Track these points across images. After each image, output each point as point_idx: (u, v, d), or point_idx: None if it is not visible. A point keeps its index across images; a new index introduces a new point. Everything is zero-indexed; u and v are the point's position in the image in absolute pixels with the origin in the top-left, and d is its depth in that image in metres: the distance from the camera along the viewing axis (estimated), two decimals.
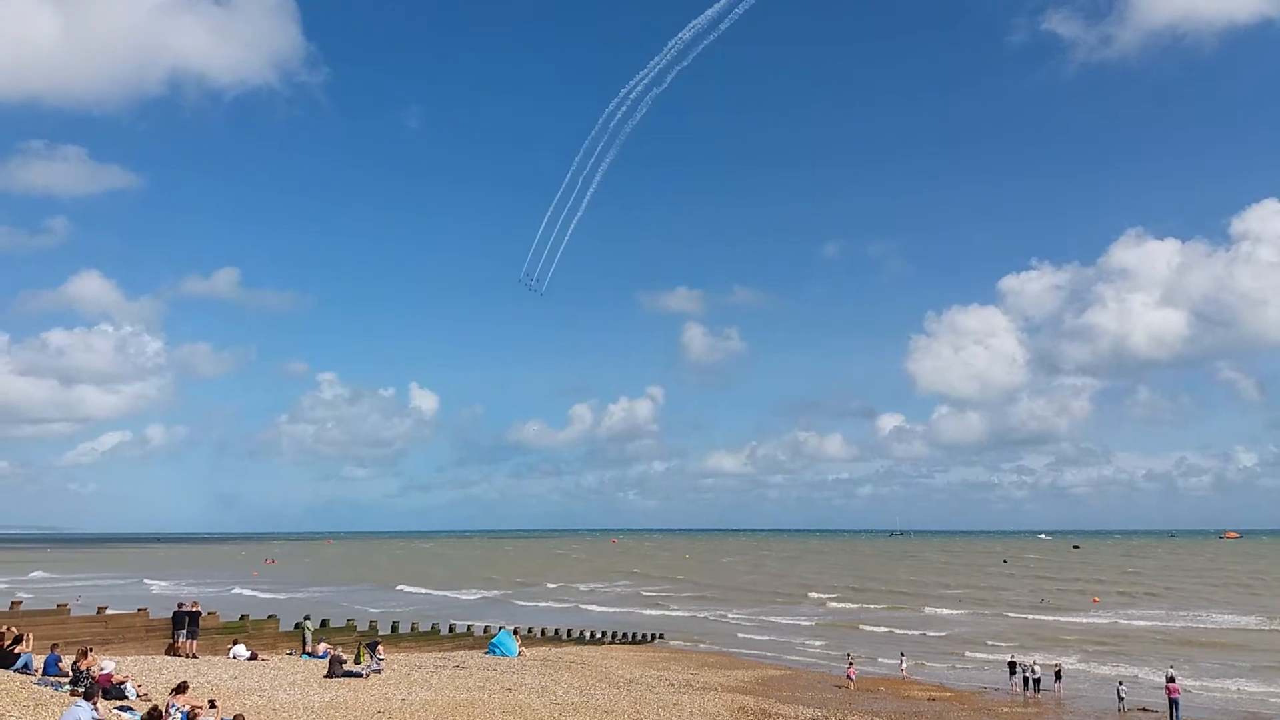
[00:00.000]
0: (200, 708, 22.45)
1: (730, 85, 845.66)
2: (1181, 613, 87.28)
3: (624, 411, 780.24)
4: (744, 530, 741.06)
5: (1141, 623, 79.58)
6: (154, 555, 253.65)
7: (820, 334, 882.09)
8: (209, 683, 29.47)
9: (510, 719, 27.83)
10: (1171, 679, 40.16)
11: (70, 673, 26.32)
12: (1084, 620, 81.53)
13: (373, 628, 50.44)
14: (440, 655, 46.63)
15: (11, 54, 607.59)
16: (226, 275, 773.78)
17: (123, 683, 25.92)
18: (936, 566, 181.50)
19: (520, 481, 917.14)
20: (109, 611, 42.59)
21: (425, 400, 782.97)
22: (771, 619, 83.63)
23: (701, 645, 65.56)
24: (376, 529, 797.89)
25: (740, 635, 71.93)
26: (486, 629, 56.49)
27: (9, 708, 21.20)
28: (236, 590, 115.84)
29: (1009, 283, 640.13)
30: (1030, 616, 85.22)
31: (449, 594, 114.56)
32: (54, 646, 29.03)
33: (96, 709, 19.46)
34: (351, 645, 42.39)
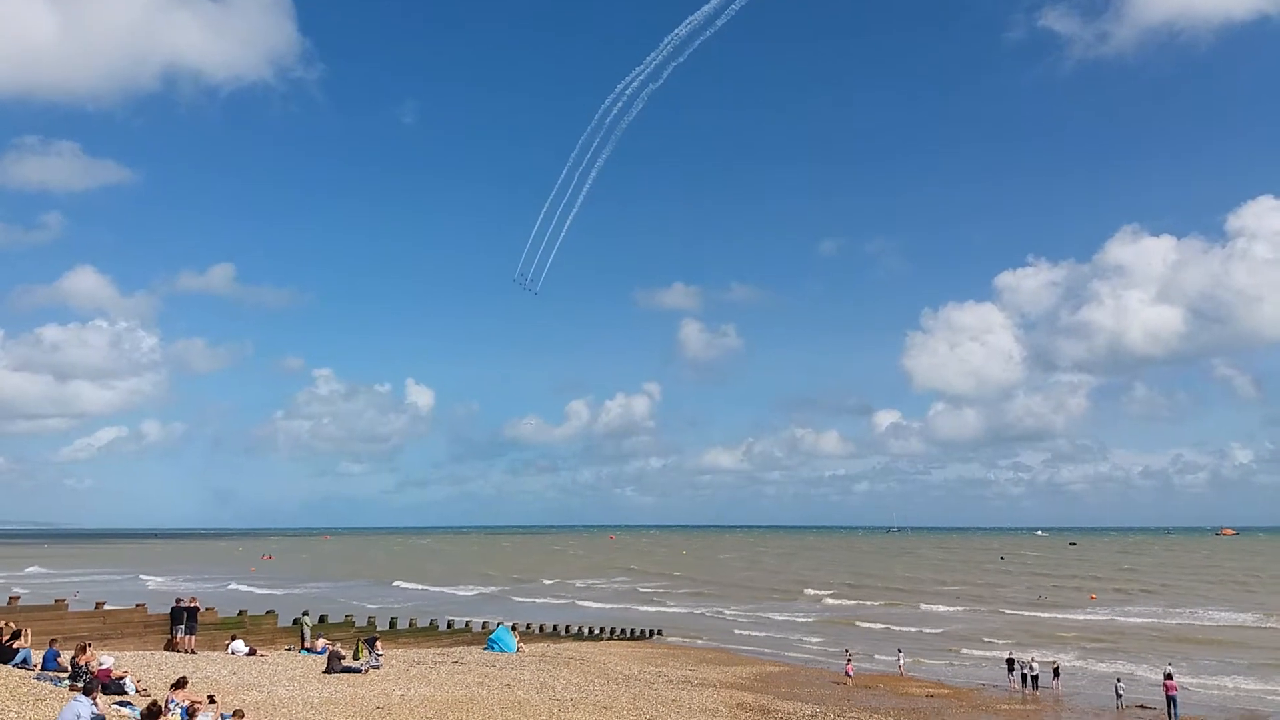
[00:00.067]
0: (199, 703, 22.42)
1: (726, 82, 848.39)
2: (1178, 610, 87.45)
3: (621, 408, 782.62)
4: (741, 526, 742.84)
5: (1138, 620, 79.69)
6: (150, 551, 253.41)
7: (817, 331, 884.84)
8: (208, 678, 29.45)
9: (509, 715, 27.81)
10: (1169, 676, 40.20)
11: (69, 668, 26.29)
12: (1081, 617, 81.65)
13: (371, 624, 50.44)
14: (439, 651, 46.63)
15: (6, 49, 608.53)
16: (222, 271, 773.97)
17: (122, 678, 25.88)
18: (933, 563, 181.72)
19: (517, 477, 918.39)
20: (107, 607, 42.63)
21: (421, 396, 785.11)
22: (768, 615, 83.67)
23: (699, 641, 65.57)
24: (373, 525, 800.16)
25: (737, 631, 71.92)
26: (485, 625, 56.53)
27: (8, 703, 21.16)
28: (233, 586, 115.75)
29: (1005, 279, 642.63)
30: (1027, 613, 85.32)
31: (446, 590, 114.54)
32: (53, 642, 29.00)
33: (96, 704, 19.41)
34: (350, 641, 42.39)
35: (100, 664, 26.21)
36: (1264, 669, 53.11)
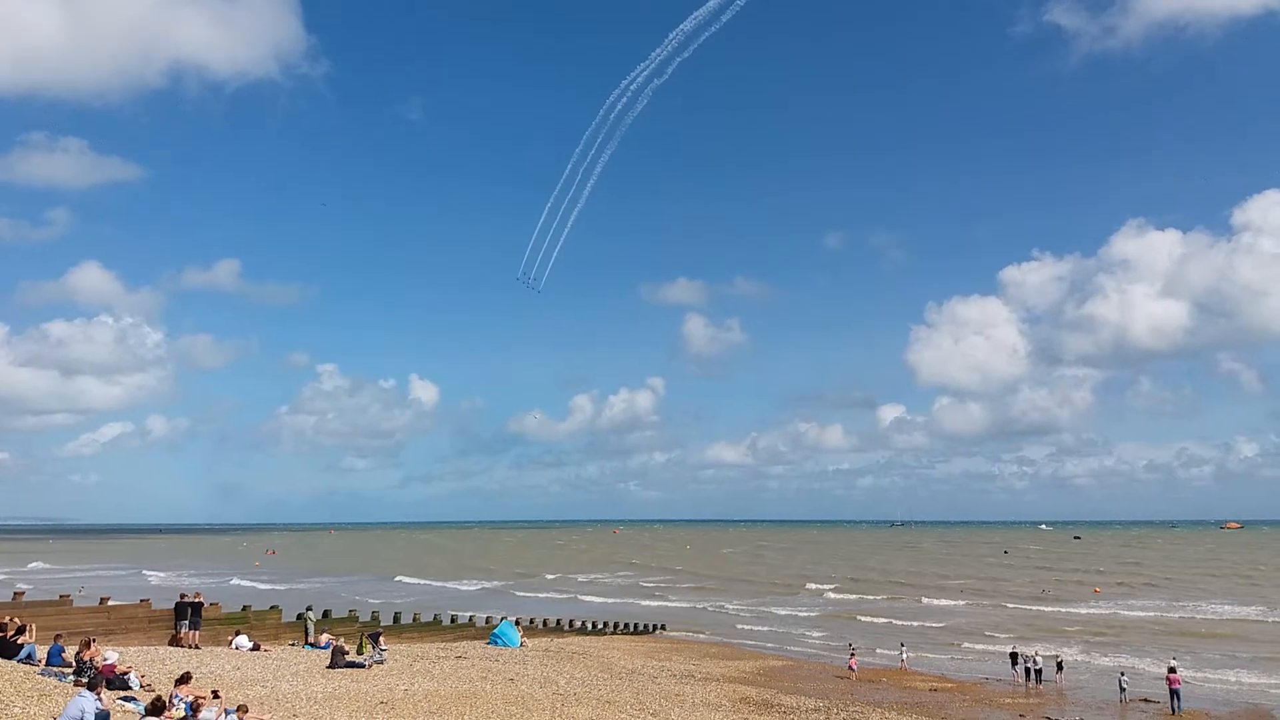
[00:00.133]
0: (203, 698, 22.44)
1: (731, 76, 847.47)
2: (1182, 603, 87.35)
3: (625, 403, 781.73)
4: (745, 521, 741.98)
5: (1142, 613, 79.63)
6: (154, 546, 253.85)
7: (821, 325, 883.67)
8: (212, 673, 29.51)
9: (513, 709, 27.81)
10: (1173, 669, 40.19)
11: (74, 663, 26.33)
12: (1085, 611, 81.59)
13: (375, 618, 50.47)
14: (442, 646, 46.69)
15: (13, 46, 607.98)
16: (227, 267, 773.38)
17: (126, 673, 25.94)
18: (937, 557, 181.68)
19: (521, 473, 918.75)
20: (111, 602, 42.68)
21: (425, 391, 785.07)
22: (770, 610, 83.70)
23: (702, 636, 65.61)
24: (378, 520, 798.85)
25: (740, 626, 71.96)
26: (489, 620, 56.57)
27: (13, 698, 21.18)
28: (235, 581, 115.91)
29: (1010, 273, 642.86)
30: (1031, 607, 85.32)
31: (449, 585, 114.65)
32: (57, 637, 29.07)
33: (100, 699, 19.42)
34: (354, 636, 42.42)
35: (105, 659, 26.27)
36: (1268, 662, 53.05)
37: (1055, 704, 40.55)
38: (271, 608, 47.50)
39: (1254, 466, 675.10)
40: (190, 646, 36.93)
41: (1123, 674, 43.32)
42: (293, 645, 41.89)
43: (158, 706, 19.86)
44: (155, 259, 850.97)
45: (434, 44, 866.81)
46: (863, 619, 77.12)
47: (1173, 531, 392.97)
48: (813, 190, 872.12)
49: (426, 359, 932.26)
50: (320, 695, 27.45)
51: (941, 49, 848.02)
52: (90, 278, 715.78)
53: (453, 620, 56.15)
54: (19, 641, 28.24)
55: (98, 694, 19.42)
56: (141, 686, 25.61)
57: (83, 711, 18.54)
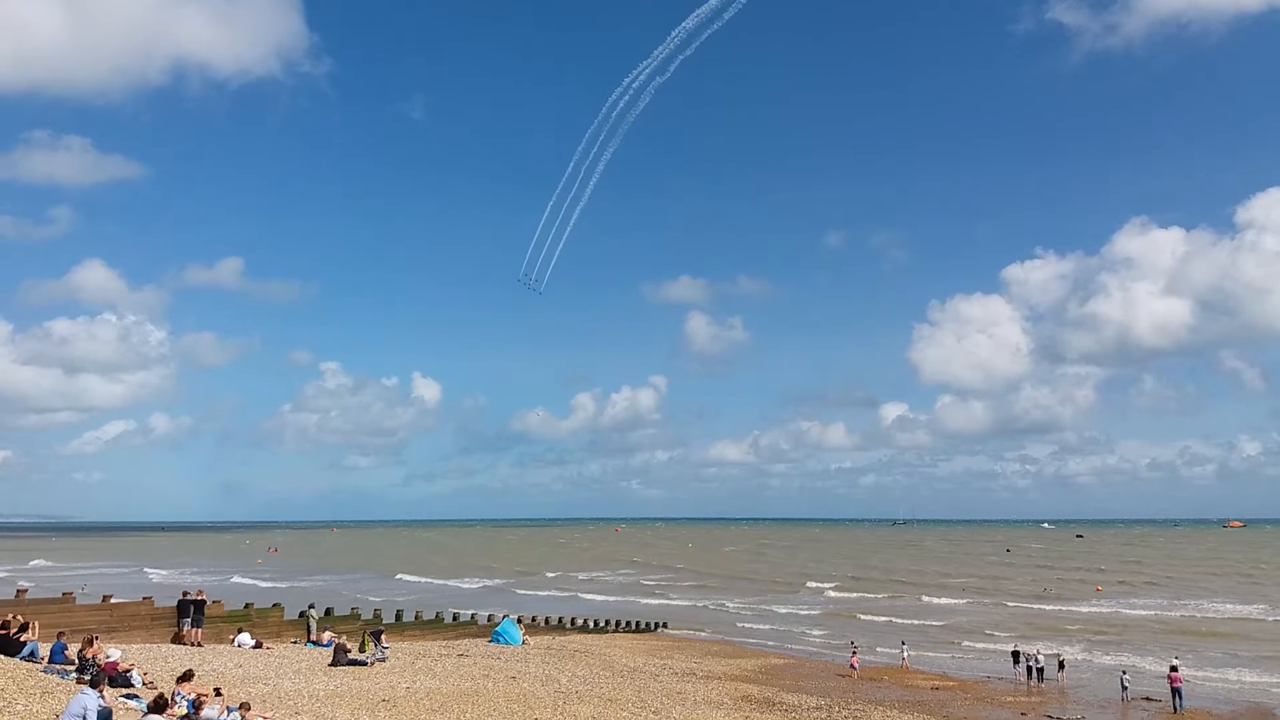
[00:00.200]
0: (206, 696, 22.45)
1: (733, 74, 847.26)
2: (1184, 602, 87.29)
3: (627, 401, 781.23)
4: (747, 519, 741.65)
5: (1144, 612, 79.60)
6: (156, 544, 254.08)
7: (824, 323, 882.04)
8: (214, 671, 29.55)
9: (515, 707, 27.83)
10: (1174, 668, 40.20)
11: (76, 661, 26.38)
12: (1087, 609, 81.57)
13: (377, 616, 50.53)
14: (444, 644, 46.75)
15: (15, 44, 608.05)
16: (230, 265, 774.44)
17: (129, 671, 25.97)
18: (938, 556, 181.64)
19: (523, 471, 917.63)
20: (114, 600, 42.71)
21: (428, 389, 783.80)
22: (771, 608, 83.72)
23: (702, 634, 65.64)
24: (381, 518, 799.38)
25: (740, 624, 71.97)
26: (490, 618, 56.60)
27: (16, 695, 21.20)
28: (238, 579, 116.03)
29: (1013, 272, 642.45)
30: (1032, 606, 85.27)
31: (450, 583, 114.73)
32: (60, 635, 29.11)
33: (103, 697, 19.43)
34: (356, 634, 42.47)
35: (107, 657, 26.31)
36: (1269, 661, 53.01)
37: (1057, 702, 40.55)
38: (274, 605, 47.52)
39: (1257, 465, 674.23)
40: (193, 644, 36.99)
41: (1124, 672, 43.28)
42: (295, 643, 41.94)
43: (160, 704, 19.88)
44: (158, 257, 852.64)
45: (436, 42, 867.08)
46: (863, 617, 77.10)
47: (1175, 530, 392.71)
48: (815, 188, 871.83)
49: (429, 357, 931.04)
50: (322, 693, 27.49)
51: (943, 47, 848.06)
52: (93, 276, 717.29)
53: (455, 618, 56.18)
54: (22, 639, 28.29)
55: (100, 691, 19.43)
56: (144, 684, 25.64)
57: (85, 709, 18.56)
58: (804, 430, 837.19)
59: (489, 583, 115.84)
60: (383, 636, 40.65)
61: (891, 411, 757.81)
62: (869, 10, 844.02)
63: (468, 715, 26.07)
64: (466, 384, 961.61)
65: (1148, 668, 49.51)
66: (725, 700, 34.08)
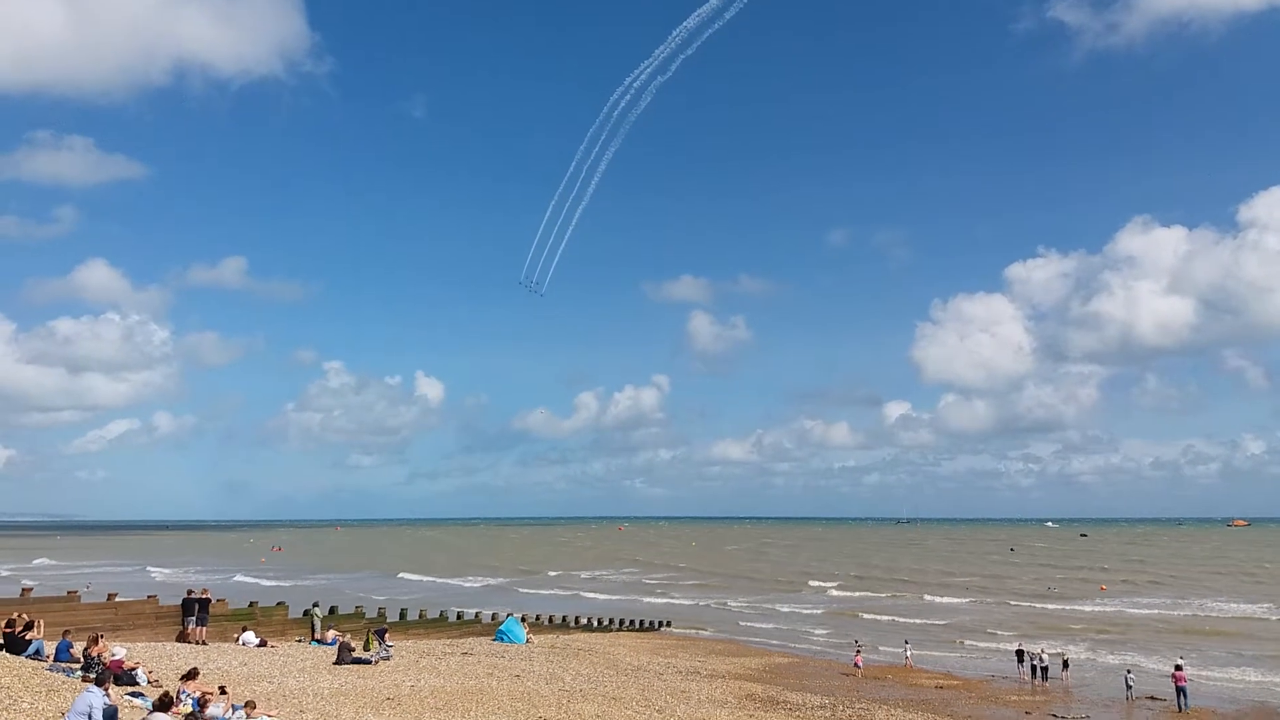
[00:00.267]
0: (211, 694, 22.47)
1: (735, 73, 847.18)
2: (1188, 601, 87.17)
3: (630, 400, 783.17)
4: (750, 518, 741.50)
5: (1148, 611, 79.50)
6: (160, 543, 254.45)
7: (826, 322, 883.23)
8: (219, 669, 29.58)
9: (519, 706, 27.84)
10: (1179, 667, 40.13)
11: (81, 659, 26.42)
12: (1090, 608, 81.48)
13: (381, 615, 50.58)
14: (448, 642, 46.77)
15: (18, 45, 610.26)
16: (233, 264, 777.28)
17: (134, 669, 26.00)
18: (941, 555, 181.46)
19: (526, 469, 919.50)
20: (119, 599, 42.75)
21: (431, 388, 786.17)
22: (774, 607, 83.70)
23: (705, 633, 65.65)
24: (384, 516, 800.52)
25: (744, 623, 71.95)
26: (494, 616, 56.61)
27: (21, 694, 21.24)
28: (242, 577, 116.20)
29: (1015, 270, 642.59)
30: (1036, 605, 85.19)
31: (452, 582, 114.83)
32: (65, 633, 29.16)
33: (108, 695, 19.47)
34: (360, 632, 42.49)
35: (112, 655, 26.35)
36: (1274, 660, 52.91)
37: (1061, 701, 40.52)
38: (278, 604, 47.56)
39: (1260, 464, 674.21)
40: (197, 642, 37.03)
41: (1129, 671, 43.20)
42: (299, 641, 41.98)
43: (165, 702, 19.90)
44: (161, 256, 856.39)
45: (437, 41, 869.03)
46: (867, 616, 77.06)
47: (1179, 529, 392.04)
48: (817, 187, 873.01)
49: (432, 356, 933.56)
50: (327, 691, 27.52)
51: (945, 46, 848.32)
52: (97, 275, 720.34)
53: (459, 617, 56.24)
54: (27, 637, 28.33)
55: (105, 689, 19.46)
56: (149, 682, 25.67)
57: (90, 707, 18.59)
58: (807, 429, 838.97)
59: (491, 581, 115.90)
60: (387, 635, 40.70)
61: (895, 410, 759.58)
62: (870, 9, 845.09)
63: (472, 713, 26.08)
64: (469, 383, 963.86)
65: (1152, 667, 49.42)
66: (729, 699, 34.07)
